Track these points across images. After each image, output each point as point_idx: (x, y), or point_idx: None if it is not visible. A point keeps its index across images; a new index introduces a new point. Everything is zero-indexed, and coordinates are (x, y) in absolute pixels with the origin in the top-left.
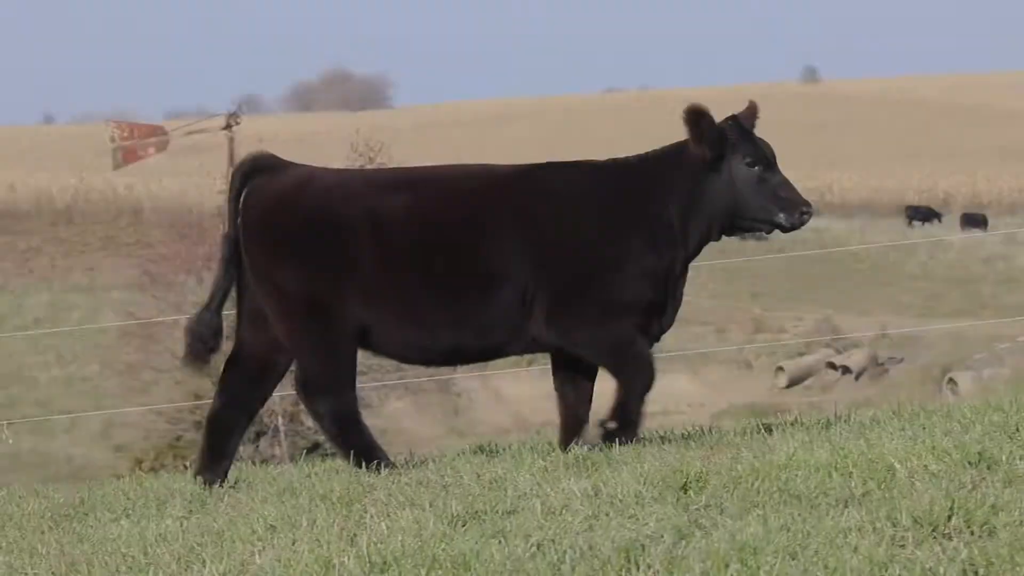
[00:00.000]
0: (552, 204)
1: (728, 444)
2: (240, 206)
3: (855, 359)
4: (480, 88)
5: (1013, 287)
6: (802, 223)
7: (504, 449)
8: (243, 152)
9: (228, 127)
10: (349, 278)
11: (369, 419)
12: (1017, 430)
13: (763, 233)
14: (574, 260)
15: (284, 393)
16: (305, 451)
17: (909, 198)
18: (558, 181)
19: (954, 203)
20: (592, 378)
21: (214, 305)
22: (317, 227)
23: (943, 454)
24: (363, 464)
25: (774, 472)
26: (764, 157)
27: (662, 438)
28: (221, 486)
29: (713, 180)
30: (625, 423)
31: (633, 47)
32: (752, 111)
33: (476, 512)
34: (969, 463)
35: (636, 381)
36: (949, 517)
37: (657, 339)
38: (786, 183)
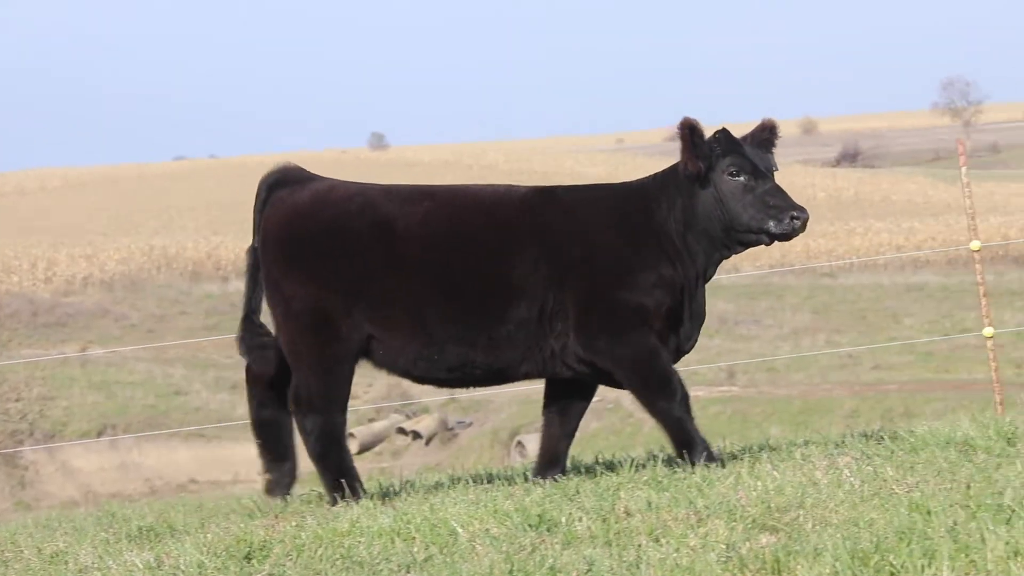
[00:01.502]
0: (569, 221)
1: (293, 512)
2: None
3: (425, 424)
4: (51, 157)
5: None
6: (793, 229)
7: (67, 522)
8: None
9: None
10: (360, 291)
11: None
12: (577, 492)
13: (763, 244)
14: (594, 273)
15: None
16: None
17: None
18: (574, 199)
19: None
20: (579, 415)
21: (252, 311)
22: (330, 239)
23: (504, 517)
24: (336, 487)
25: (337, 539)
26: (750, 166)
27: (230, 507)
28: (289, 490)
29: (703, 194)
30: (686, 445)
31: (203, 117)
32: (765, 127)
33: None
34: (530, 525)
35: (663, 400)
36: None
37: (678, 357)
38: (775, 190)
